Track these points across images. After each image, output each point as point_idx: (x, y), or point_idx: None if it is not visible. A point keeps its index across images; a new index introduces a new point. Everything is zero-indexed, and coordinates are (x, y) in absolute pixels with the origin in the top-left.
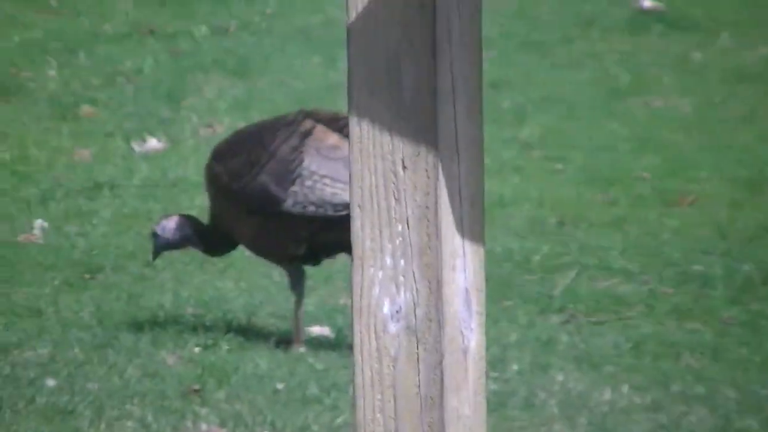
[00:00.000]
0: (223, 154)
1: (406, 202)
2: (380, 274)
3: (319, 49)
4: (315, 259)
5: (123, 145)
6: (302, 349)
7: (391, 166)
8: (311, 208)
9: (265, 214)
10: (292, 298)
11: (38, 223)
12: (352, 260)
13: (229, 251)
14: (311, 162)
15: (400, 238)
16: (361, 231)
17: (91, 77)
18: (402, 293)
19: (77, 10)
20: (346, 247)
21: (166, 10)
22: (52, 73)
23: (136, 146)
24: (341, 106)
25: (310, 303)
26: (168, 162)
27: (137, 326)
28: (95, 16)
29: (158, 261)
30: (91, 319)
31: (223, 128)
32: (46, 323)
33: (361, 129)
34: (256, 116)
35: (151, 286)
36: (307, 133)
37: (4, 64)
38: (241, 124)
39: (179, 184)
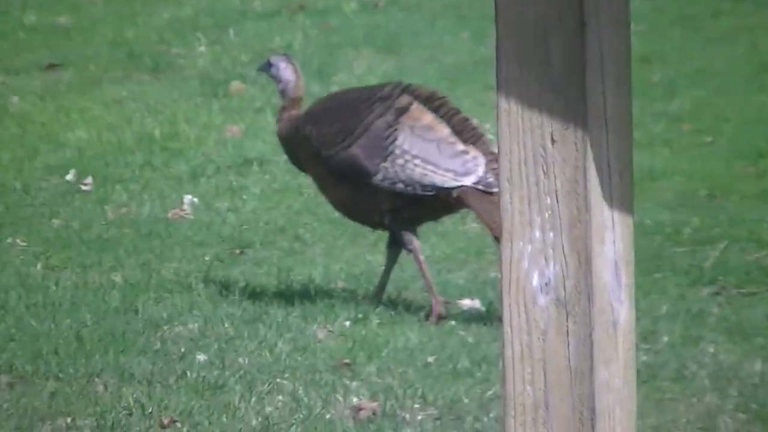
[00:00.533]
0: (316, 116)
1: (555, 176)
2: (529, 247)
3: (468, 23)
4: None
5: (272, 121)
6: (441, 309)
7: (540, 140)
8: (400, 185)
9: (353, 183)
10: (410, 256)
11: (188, 199)
12: (501, 234)
13: None
14: (404, 140)
15: (549, 212)
16: (509, 205)
17: (241, 54)
18: (551, 266)
19: None
20: (425, 221)
21: None
22: (202, 49)
23: None
24: (491, 80)
25: (460, 276)
26: None
27: (287, 301)
28: None
29: (308, 235)
30: (241, 294)
31: None
32: (197, 298)
33: (509, 103)
34: None
35: (301, 260)
36: (403, 110)
37: (154, 42)
38: None
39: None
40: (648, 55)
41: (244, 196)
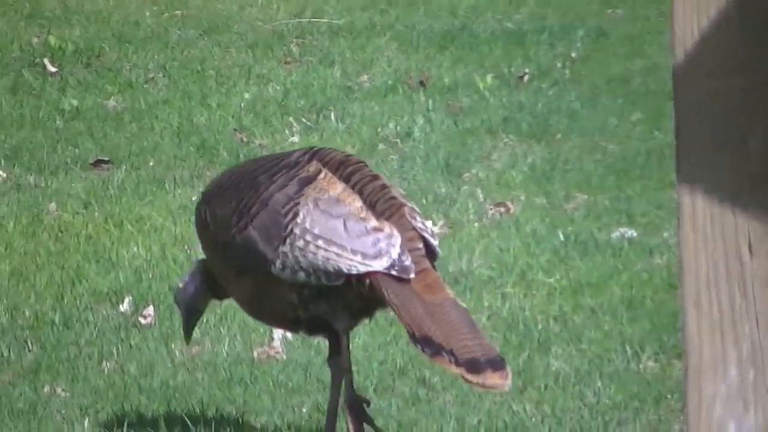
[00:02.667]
0: (212, 196)
1: (754, 297)
2: (723, 388)
3: (640, 102)
4: (319, 329)
5: None
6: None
7: (734, 251)
8: (302, 275)
9: (254, 275)
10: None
11: (279, 334)
12: (685, 373)
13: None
14: (306, 217)
15: (748, 343)
16: (697, 336)
17: (345, 144)
18: (752, 414)
19: (325, 59)
20: (339, 320)
21: (441, 55)
22: (295, 140)
23: None
24: (670, 175)
25: (635, 430)
26: (447, 251)
27: None
28: (349, 64)
29: (436, 378)
30: None
31: (519, 208)
32: None
33: (694, 204)
34: (560, 189)
35: (427, 411)
36: (309, 180)
37: (232, 130)
38: (541, 201)
39: (462, 281)
40: None
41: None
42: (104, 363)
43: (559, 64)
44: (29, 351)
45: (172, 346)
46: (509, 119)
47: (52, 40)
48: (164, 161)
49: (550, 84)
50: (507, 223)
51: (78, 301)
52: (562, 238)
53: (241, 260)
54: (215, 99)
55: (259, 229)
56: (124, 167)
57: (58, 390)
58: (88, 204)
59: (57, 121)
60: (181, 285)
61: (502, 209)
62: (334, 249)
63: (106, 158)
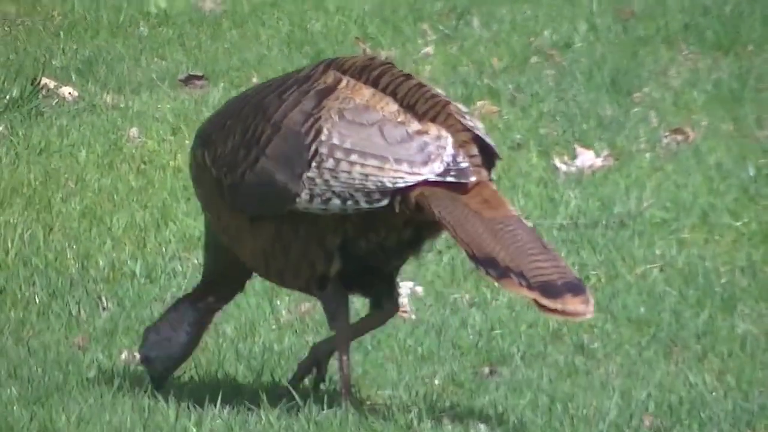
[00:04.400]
0: (208, 134)
1: None
2: None
3: None
4: (359, 280)
5: (540, 162)
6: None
7: None
8: (335, 202)
9: (274, 218)
10: (330, 339)
11: (407, 286)
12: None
13: (244, 282)
14: (332, 132)
15: None
16: None
17: (491, 54)
18: None
19: None
20: (397, 256)
21: None
22: (428, 50)
23: (561, 164)
24: None
25: None
26: (613, 188)
27: None
28: None
29: (596, 344)
30: None
31: (700, 135)
32: None
33: None
34: (751, 113)
35: (585, 383)
36: (328, 91)
37: (349, 40)
38: (727, 127)
39: (629, 224)
40: None
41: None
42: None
43: None
44: (104, 309)
45: (278, 302)
46: (690, 26)
47: None
48: (271, 77)
49: None
50: (685, 153)
51: (163, 248)
52: (752, 172)
53: (254, 203)
54: (334, 1)
55: (274, 158)
56: (222, 84)
57: (138, 356)
58: (177, 129)
59: (140, 27)
60: (159, 335)
61: (680, 137)
62: (373, 162)
63: (200, 73)
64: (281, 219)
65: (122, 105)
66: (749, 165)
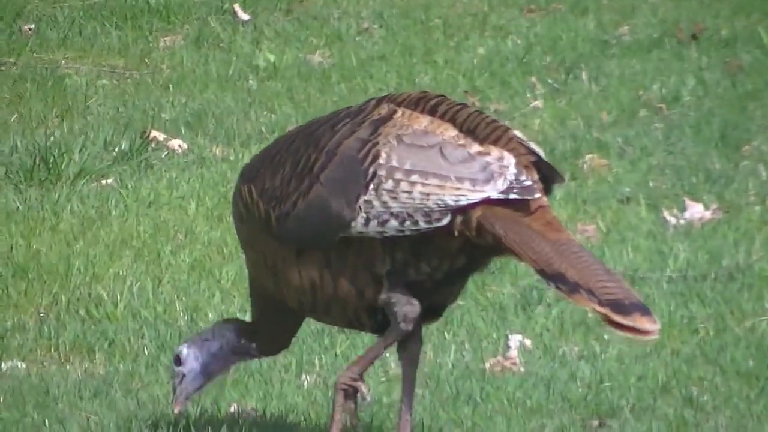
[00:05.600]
0: (254, 171)
1: None
2: None
3: None
4: (423, 303)
5: (649, 215)
6: (359, 384)
7: None
8: (393, 223)
9: (323, 250)
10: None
11: (516, 339)
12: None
13: (289, 339)
14: (391, 155)
15: None
16: None
17: (600, 108)
18: None
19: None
20: (443, 286)
21: (719, 1)
22: (537, 103)
23: (671, 217)
24: None
25: None
26: (721, 241)
27: None
28: (605, 13)
29: (706, 397)
30: None
31: None
32: None
33: None
34: None
35: None
36: (384, 120)
37: (458, 93)
38: None
39: (738, 277)
40: None
41: (605, 335)
42: (304, 376)
43: None
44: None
45: (387, 354)
46: None
47: None
48: None
49: None
50: None
51: None
52: None
53: (306, 232)
54: (442, 54)
55: (328, 185)
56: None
57: (248, 408)
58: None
59: (249, 81)
60: (190, 349)
61: None
62: (434, 181)
63: None
64: (327, 252)
65: (231, 157)
66: None
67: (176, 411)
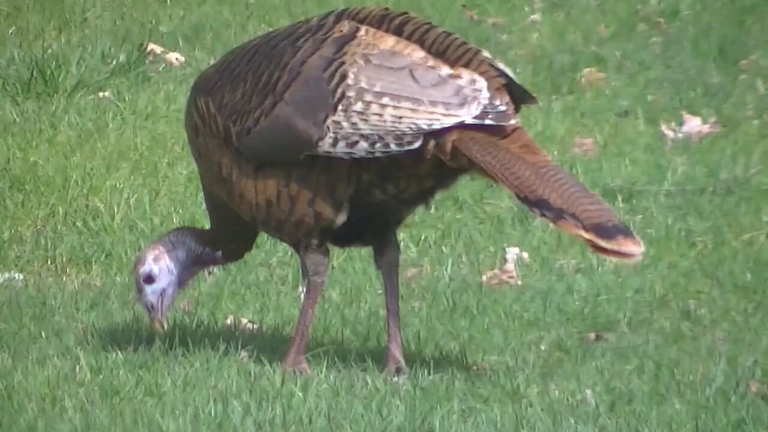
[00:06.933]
0: (211, 84)
1: None
2: None
3: None
4: (357, 233)
5: (647, 129)
6: (304, 367)
7: None
8: (362, 145)
9: (283, 167)
10: (301, 290)
11: (513, 253)
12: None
13: (251, 243)
14: (359, 76)
15: None
16: None
17: (597, 22)
18: None
19: None
20: (408, 207)
21: None
22: (536, 17)
23: (668, 131)
24: None
25: None
26: (719, 155)
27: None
28: None
29: (703, 310)
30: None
31: None
32: (528, 413)
33: None
34: None
35: (691, 348)
36: (347, 39)
37: (456, 8)
38: None
39: (736, 191)
40: None
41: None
42: (300, 288)
43: None
44: (209, 273)
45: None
46: None
47: None
48: None
49: None
50: None
51: None
52: None
53: (267, 149)
54: None
55: (293, 104)
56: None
57: (244, 321)
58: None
59: None
60: (159, 263)
61: None
62: (406, 104)
63: None
64: (290, 167)
65: None
66: None
67: (164, 328)
